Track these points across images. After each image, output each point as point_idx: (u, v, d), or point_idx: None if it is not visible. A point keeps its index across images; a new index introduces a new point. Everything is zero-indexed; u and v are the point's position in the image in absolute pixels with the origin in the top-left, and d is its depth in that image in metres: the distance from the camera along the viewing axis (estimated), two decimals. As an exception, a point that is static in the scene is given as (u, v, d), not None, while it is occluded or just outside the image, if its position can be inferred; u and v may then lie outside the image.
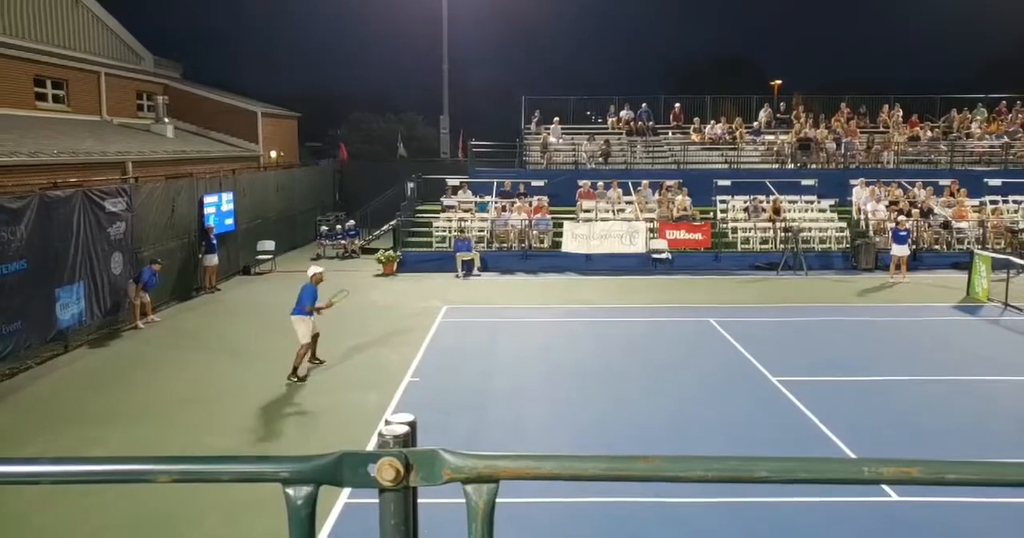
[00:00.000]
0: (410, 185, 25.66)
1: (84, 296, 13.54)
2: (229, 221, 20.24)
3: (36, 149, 16.56)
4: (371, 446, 1.05)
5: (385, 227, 25.02)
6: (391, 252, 21.36)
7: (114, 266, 14.64)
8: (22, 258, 11.87)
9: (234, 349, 13.15)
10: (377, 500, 1.07)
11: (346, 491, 6.97)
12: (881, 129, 28.20)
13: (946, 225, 21.99)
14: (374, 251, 22.43)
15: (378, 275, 20.65)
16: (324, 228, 25.06)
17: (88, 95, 22.82)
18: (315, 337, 11.80)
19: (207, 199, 19.05)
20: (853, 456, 8.15)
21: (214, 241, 18.50)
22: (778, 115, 29.07)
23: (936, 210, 22.49)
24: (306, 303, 11.48)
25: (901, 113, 28.55)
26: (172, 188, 17.70)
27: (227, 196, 20.27)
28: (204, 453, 1.09)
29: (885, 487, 7.32)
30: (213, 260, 18.48)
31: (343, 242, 24.33)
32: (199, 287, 18.36)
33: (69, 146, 17.99)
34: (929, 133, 27.58)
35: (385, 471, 1.02)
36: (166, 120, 24.84)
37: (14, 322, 11.59)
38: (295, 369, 11.36)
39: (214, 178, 20.27)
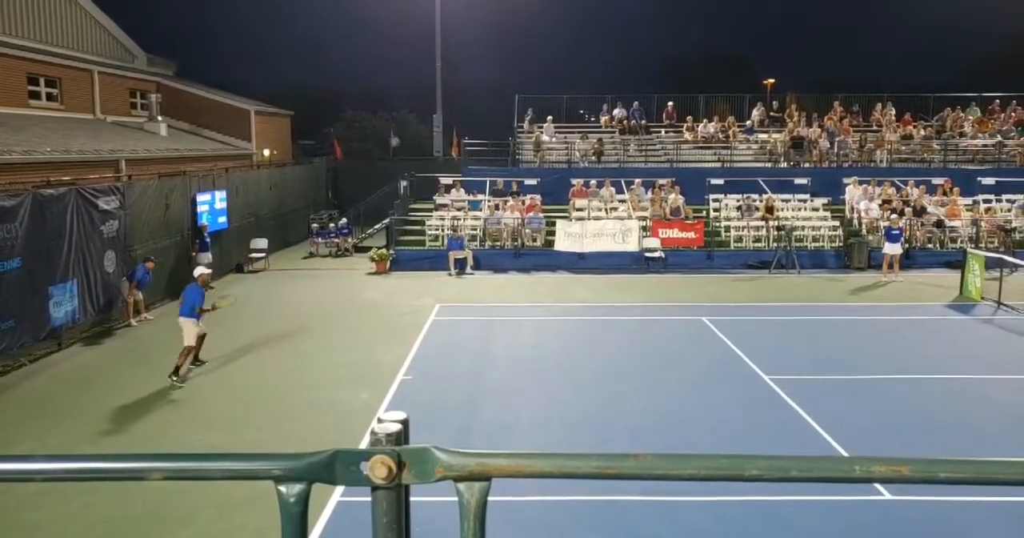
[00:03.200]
0: (403, 183, 25.63)
1: (77, 294, 13.50)
2: (222, 219, 20.19)
3: (29, 147, 16.48)
4: (364, 444, 1.05)
5: (378, 225, 24.99)
6: (384, 250, 21.34)
7: (107, 264, 14.60)
8: (17, 256, 11.83)
9: (226, 347, 13.11)
10: (370, 498, 1.07)
11: (339, 489, 6.97)
12: (874, 128, 28.30)
13: (939, 224, 22.08)
14: (367, 249, 22.41)
15: (371, 273, 20.63)
16: (317, 226, 25.01)
17: (81, 93, 22.72)
18: (202, 338, 11.83)
19: (200, 197, 19.00)
20: (846, 454, 8.19)
21: (207, 239, 18.45)
22: (771, 114, 29.15)
23: (929, 209, 22.58)
24: (195, 305, 11.50)
25: (894, 112, 28.65)
26: (165, 186, 17.65)
27: (220, 194, 20.22)
28: (196, 451, 1.09)
29: (877, 485, 7.35)
30: (207, 258, 18.43)
31: (336, 240, 24.28)
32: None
33: (62, 144, 17.92)
34: (922, 132, 27.68)
35: (378, 469, 1.02)
36: (159, 118, 24.75)
37: (8, 320, 11.54)
38: (177, 369, 11.21)
39: (207, 176, 20.21)
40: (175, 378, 11.15)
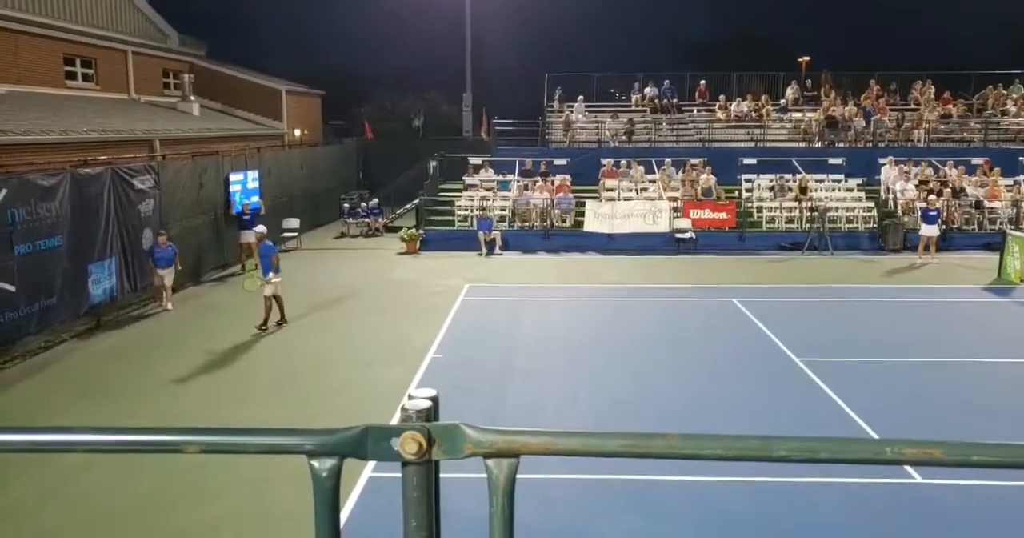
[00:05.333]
0: (432, 164, 25.63)
1: (115, 272, 13.80)
2: (255, 199, 20.42)
3: (67, 127, 16.78)
4: (394, 421, 1.06)
5: (408, 205, 25.08)
6: (414, 230, 21.43)
7: (144, 243, 14.87)
8: (57, 234, 12.13)
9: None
10: (400, 474, 1.09)
11: (370, 465, 7.09)
12: (912, 107, 27.60)
13: (978, 205, 21.55)
14: (397, 229, 22.52)
15: (401, 253, 20.75)
16: (348, 206, 25.17)
17: (116, 73, 23.01)
18: (278, 299, 13.14)
19: (233, 177, 19.21)
20: (877, 438, 8.10)
21: (246, 217, 18.60)
22: (805, 92, 28.55)
23: (968, 189, 22.03)
24: (271, 255, 13.05)
25: (933, 90, 27.88)
26: (199, 166, 17.87)
27: (252, 174, 20.43)
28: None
29: (908, 469, 7.28)
30: (250, 236, 18.58)
31: (367, 220, 24.43)
32: (224, 264, 18.55)
33: (98, 124, 18.22)
34: (958, 110, 26.92)
35: (408, 444, 1.04)
36: (192, 98, 24.99)
37: (50, 297, 11.86)
38: (281, 315, 13.20)
39: (239, 156, 20.42)
40: (283, 323, 13.20)
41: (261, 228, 13.84)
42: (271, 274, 12.93)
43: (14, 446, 1.11)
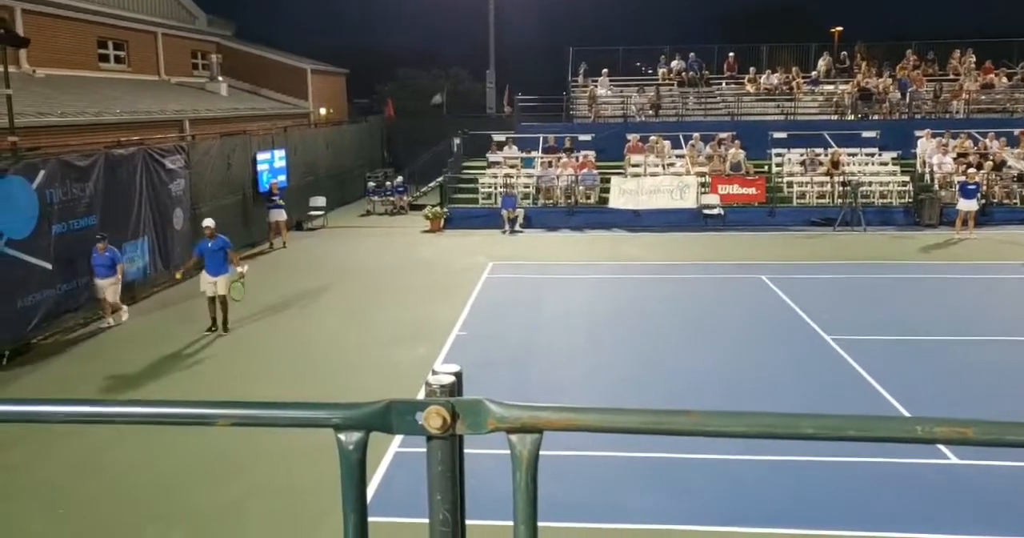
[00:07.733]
0: (456, 141, 25.56)
1: (148, 250, 14.05)
2: (282, 178, 20.60)
3: (100, 109, 17.01)
4: (420, 397, 1.08)
5: (432, 183, 25.09)
6: (438, 208, 21.45)
7: (176, 222, 15.10)
8: (92, 214, 12.36)
9: (284, 303, 13.49)
10: (425, 449, 1.10)
11: (396, 440, 7.18)
12: (951, 77, 26.84)
13: (1020, 178, 20.99)
14: (422, 207, 22.57)
15: (425, 231, 20.82)
16: (373, 184, 25.26)
17: (146, 55, 23.23)
18: (215, 302, 11.82)
19: (260, 156, 19.37)
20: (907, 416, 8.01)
21: (275, 196, 18.80)
22: (838, 64, 27.89)
23: (1010, 162, 21.45)
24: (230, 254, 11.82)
25: (974, 59, 27.04)
26: (227, 145, 18.03)
27: (279, 153, 20.58)
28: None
29: (943, 449, 7.19)
30: (280, 215, 18.81)
31: (392, 198, 24.52)
32: (253, 242, 18.76)
33: (130, 105, 18.44)
34: (1005, 80, 26.11)
35: (432, 419, 1.05)
36: (220, 78, 25.16)
37: (85, 275, 12.11)
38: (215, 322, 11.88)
39: (267, 135, 20.56)
40: (214, 329, 11.88)
41: (209, 222, 12.05)
42: (234, 271, 11.85)
43: (52, 417, 1.15)
